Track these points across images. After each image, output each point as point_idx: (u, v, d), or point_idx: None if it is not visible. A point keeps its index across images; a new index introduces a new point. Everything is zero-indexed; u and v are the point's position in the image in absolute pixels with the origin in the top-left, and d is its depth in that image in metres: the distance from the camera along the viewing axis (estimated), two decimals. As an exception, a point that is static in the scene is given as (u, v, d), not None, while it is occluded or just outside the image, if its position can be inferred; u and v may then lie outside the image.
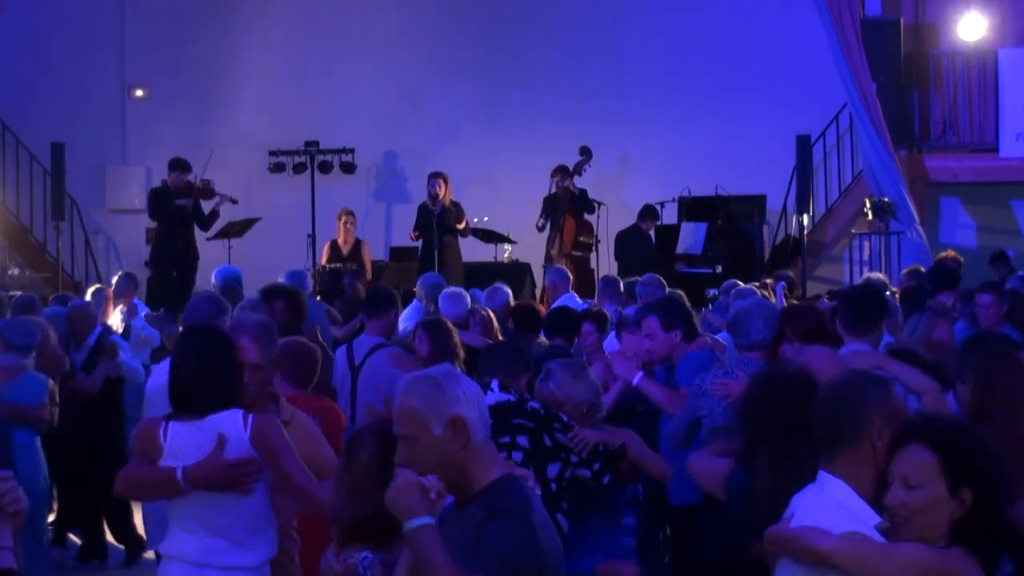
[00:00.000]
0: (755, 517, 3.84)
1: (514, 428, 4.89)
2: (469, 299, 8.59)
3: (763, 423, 3.99)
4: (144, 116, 17.08)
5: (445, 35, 17.03)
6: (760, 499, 3.88)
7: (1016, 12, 14.99)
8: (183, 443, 4.19)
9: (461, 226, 13.98)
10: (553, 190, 14.64)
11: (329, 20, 17.22)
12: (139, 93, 17.22)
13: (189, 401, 4.22)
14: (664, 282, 9.05)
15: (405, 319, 8.91)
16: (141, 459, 4.28)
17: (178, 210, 13.73)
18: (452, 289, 8.87)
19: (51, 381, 7.16)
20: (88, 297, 10.09)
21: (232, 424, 4.19)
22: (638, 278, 9.52)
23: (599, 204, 14.71)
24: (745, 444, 4.06)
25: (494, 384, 5.10)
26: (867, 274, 10.14)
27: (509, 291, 9.14)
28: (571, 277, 10.62)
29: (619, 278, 9.77)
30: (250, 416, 4.21)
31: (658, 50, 16.36)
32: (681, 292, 8.58)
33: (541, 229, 14.64)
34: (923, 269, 10.87)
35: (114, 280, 10.94)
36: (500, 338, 8.15)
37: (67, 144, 15.19)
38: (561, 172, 14.56)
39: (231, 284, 8.91)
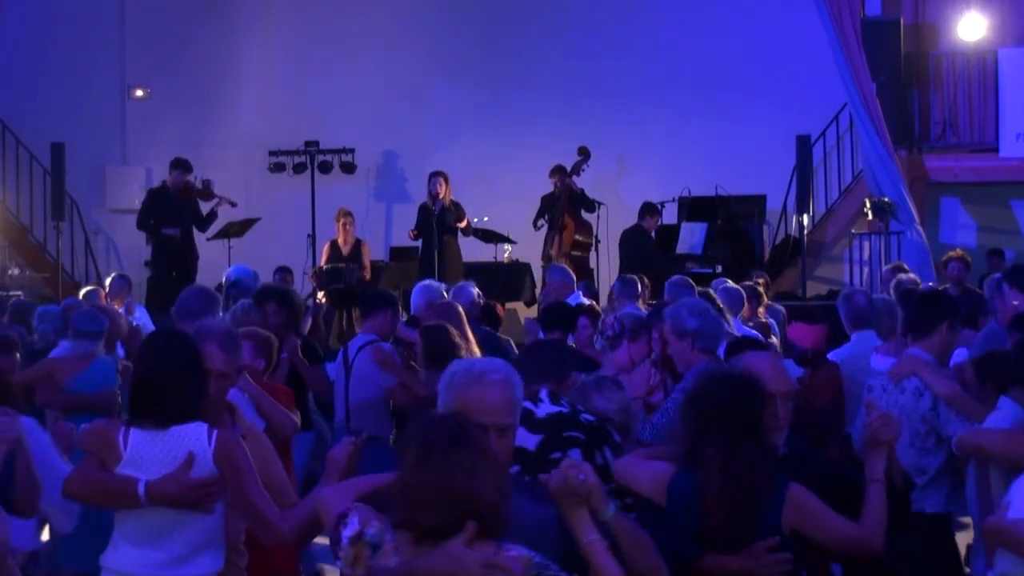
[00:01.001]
0: (705, 522, 3.77)
1: (566, 442, 4.47)
2: (444, 294, 8.59)
3: (711, 425, 3.85)
4: (144, 116, 17.08)
5: (445, 35, 17.04)
6: (711, 503, 3.78)
7: (1016, 12, 14.99)
8: (144, 453, 4.03)
9: (462, 225, 13.98)
10: (552, 190, 14.66)
11: (329, 20, 17.23)
12: (139, 93, 17.22)
13: (154, 410, 4.04)
14: (693, 283, 9.01)
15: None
16: (94, 462, 4.08)
17: (185, 204, 13.72)
18: (427, 282, 8.85)
19: (124, 362, 7.20)
20: (81, 299, 10.07)
21: (197, 439, 4.03)
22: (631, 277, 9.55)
23: (599, 204, 14.72)
24: (690, 447, 3.90)
25: (543, 393, 4.63)
26: (899, 276, 10.03)
27: (475, 289, 9.12)
28: (575, 277, 10.64)
29: (636, 277, 9.71)
30: (215, 432, 4.06)
31: (658, 50, 16.36)
32: (739, 289, 8.69)
33: (538, 228, 14.65)
34: (906, 266, 10.83)
35: (107, 281, 10.93)
36: (469, 332, 8.15)
37: (67, 144, 15.19)
38: (559, 172, 14.57)
39: (248, 284, 8.95)
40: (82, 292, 10.43)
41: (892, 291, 9.03)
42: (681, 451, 3.92)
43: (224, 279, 9.54)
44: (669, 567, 3.76)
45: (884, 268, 11.14)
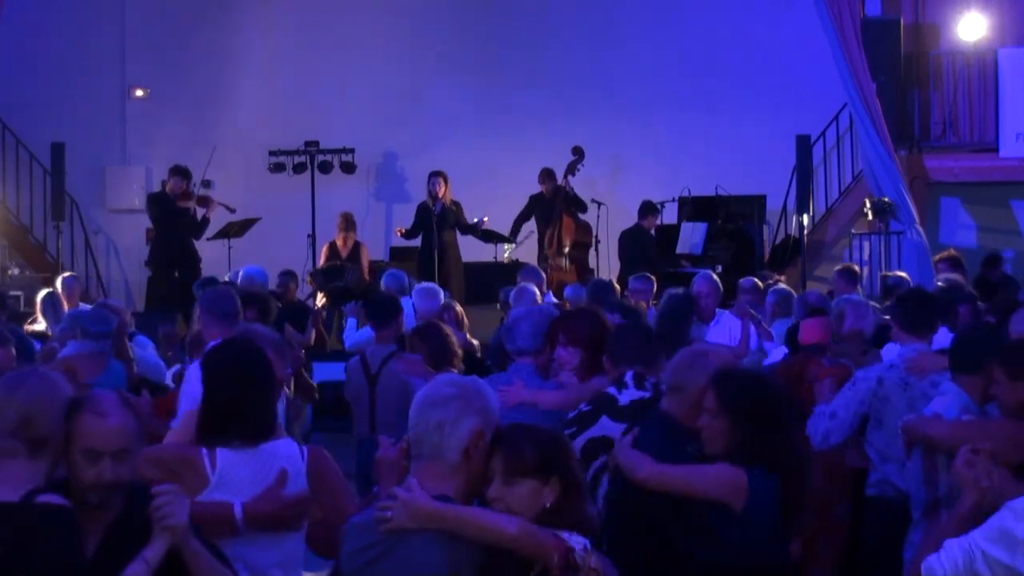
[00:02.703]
0: (790, 516, 3.92)
1: None
2: (443, 294, 8.69)
3: (769, 424, 3.94)
4: (144, 116, 17.09)
5: (445, 35, 17.03)
6: (800, 497, 3.93)
7: (1016, 12, 14.98)
8: (236, 475, 3.74)
9: (485, 220, 14.09)
10: (540, 192, 14.70)
11: (329, 20, 17.22)
12: (139, 93, 17.22)
13: (245, 426, 3.78)
14: (716, 278, 9.17)
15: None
16: None
17: (182, 213, 13.92)
18: (425, 284, 8.91)
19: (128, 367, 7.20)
20: (39, 302, 9.94)
21: (290, 455, 3.83)
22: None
23: (599, 204, 14.74)
24: (745, 446, 3.93)
25: (628, 377, 4.64)
26: (943, 276, 10.05)
27: (536, 290, 9.17)
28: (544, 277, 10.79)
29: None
30: (305, 447, 3.92)
31: (658, 50, 16.36)
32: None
33: (516, 241, 14.70)
34: (857, 268, 10.88)
35: (58, 282, 10.91)
36: (469, 336, 8.25)
37: (67, 144, 15.20)
38: (549, 175, 14.59)
39: (260, 283, 9.02)
40: (40, 296, 10.24)
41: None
42: (735, 451, 3.93)
43: (232, 279, 9.57)
44: (766, 566, 3.88)
45: (835, 269, 11.07)
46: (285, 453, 3.83)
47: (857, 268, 10.88)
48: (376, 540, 3.13)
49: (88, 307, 9.64)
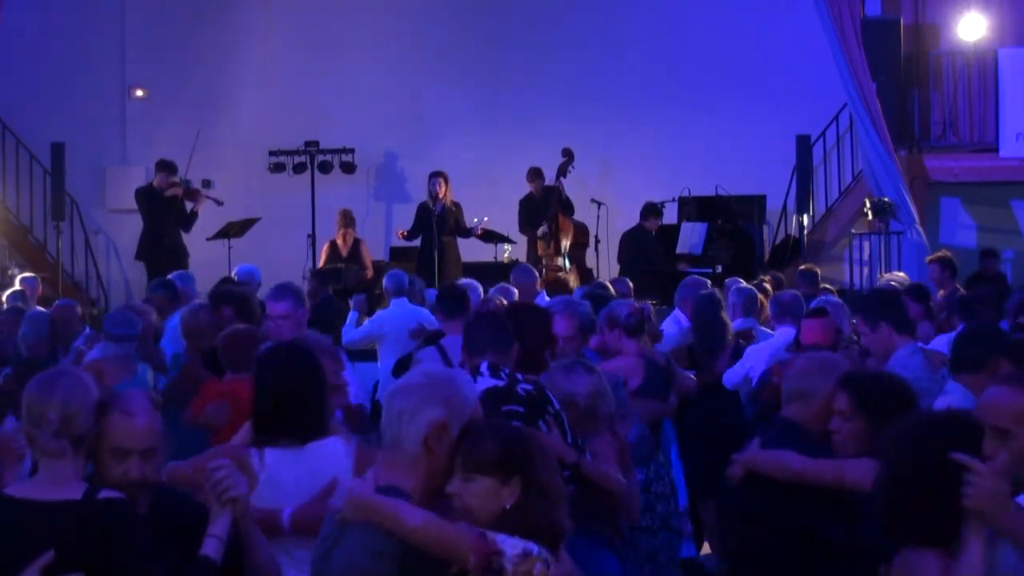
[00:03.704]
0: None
1: (503, 417, 4.48)
2: (482, 290, 8.85)
3: (886, 422, 4.01)
4: (144, 116, 17.08)
5: (446, 34, 17.03)
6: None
7: (1016, 12, 14.99)
8: (282, 474, 3.84)
9: (486, 220, 14.02)
10: (530, 192, 14.68)
11: (329, 20, 17.22)
12: (139, 93, 17.22)
13: (292, 425, 3.87)
14: (708, 282, 9.23)
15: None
16: None
17: (171, 206, 13.87)
18: (466, 281, 9.07)
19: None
20: (4, 302, 9.87)
21: (335, 455, 3.90)
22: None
23: (599, 204, 14.74)
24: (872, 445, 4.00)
25: (484, 367, 4.65)
26: (886, 280, 10.08)
27: (516, 291, 9.20)
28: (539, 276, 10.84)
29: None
30: (351, 444, 3.98)
31: (658, 50, 16.36)
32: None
33: (540, 235, 14.61)
34: (818, 269, 10.93)
35: (17, 282, 10.90)
36: None
37: (67, 144, 15.21)
38: (538, 175, 14.58)
39: (257, 283, 9.06)
40: (5, 295, 10.17)
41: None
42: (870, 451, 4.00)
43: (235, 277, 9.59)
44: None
45: (798, 270, 11.05)
46: (331, 452, 3.91)
47: (817, 269, 10.97)
48: (331, 531, 3.14)
49: (41, 309, 9.67)
